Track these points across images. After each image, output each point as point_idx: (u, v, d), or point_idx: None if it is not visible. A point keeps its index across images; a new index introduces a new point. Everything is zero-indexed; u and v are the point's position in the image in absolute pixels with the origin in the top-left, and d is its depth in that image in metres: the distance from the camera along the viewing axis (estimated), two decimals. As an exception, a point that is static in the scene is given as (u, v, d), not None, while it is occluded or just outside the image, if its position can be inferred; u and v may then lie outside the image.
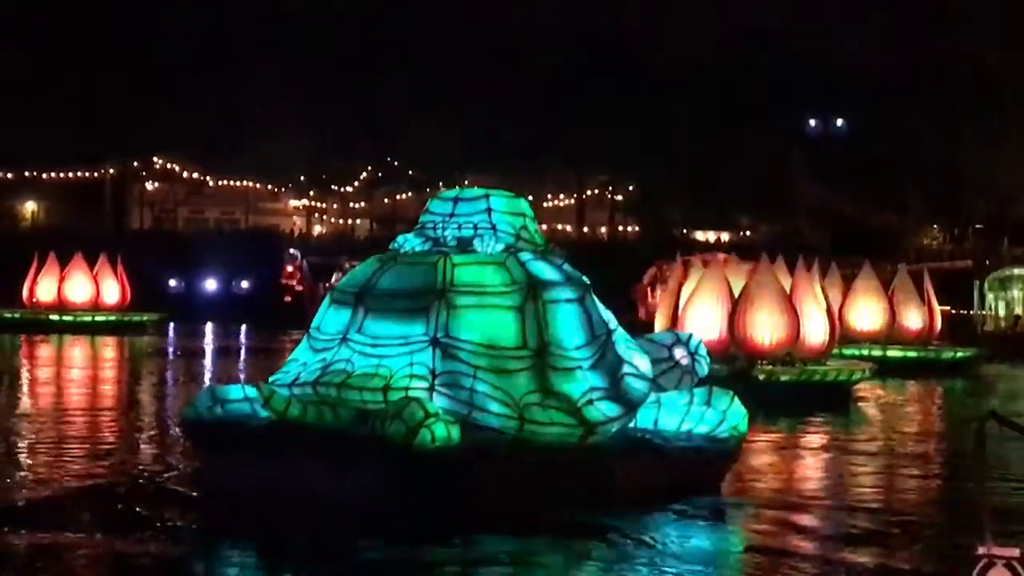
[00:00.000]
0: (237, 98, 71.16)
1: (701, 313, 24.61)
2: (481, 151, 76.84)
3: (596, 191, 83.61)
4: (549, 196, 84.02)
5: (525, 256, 13.65)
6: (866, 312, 32.67)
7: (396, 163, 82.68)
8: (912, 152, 67.21)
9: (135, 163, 79.17)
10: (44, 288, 46.08)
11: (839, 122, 78.36)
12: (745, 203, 76.36)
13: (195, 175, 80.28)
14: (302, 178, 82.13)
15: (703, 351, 14.43)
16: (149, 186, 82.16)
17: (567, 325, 13.37)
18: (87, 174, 77.21)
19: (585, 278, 13.80)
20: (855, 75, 70.75)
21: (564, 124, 73.32)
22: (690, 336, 14.69)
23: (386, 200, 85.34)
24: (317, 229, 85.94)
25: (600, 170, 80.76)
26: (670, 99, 70.87)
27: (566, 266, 13.87)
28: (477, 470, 12.47)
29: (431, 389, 12.90)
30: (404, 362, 13.11)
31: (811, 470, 17.07)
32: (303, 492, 12.23)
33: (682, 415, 13.76)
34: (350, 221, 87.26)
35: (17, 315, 45.40)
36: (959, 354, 33.18)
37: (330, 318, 13.77)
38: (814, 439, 19.67)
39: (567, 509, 12.28)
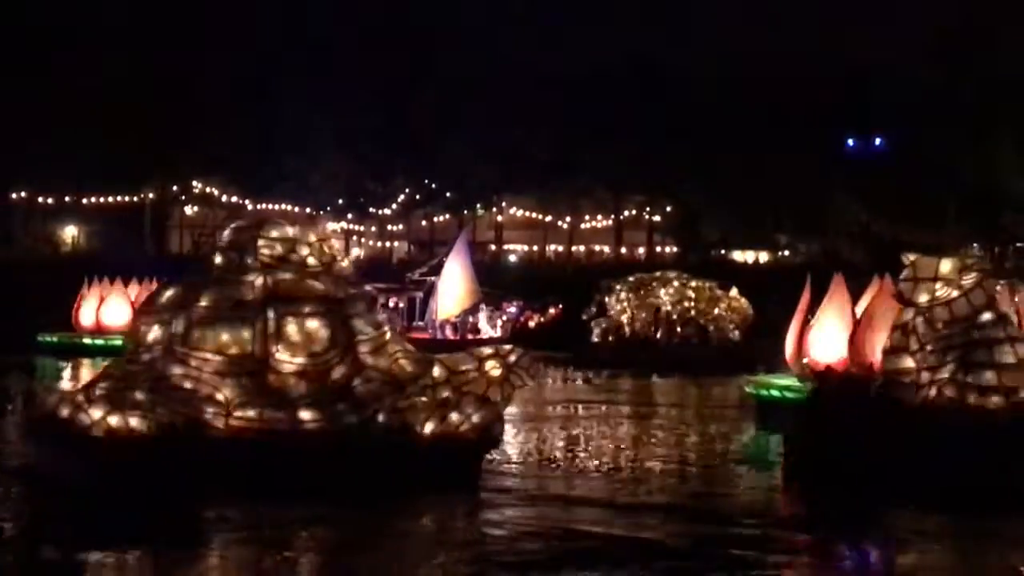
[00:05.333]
0: (274, 122, 71.37)
1: (826, 335, 24.29)
2: (518, 172, 76.78)
3: (633, 212, 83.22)
4: (587, 217, 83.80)
5: (278, 275, 15.90)
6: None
7: (434, 185, 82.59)
8: (951, 170, 66.59)
9: (174, 187, 79.57)
10: (85, 312, 46.38)
11: (877, 141, 77.80)
12: (783, 222, 75.81)
13: (233, 199, 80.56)
14: (340, 201, 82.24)
15: (524, 364, 16.09)
16: (188, 210, 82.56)
17: (301, 336, 15.50)
18: (127, 199, 77.61)
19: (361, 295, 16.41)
20: (894, 94, 70.24)
21: (601, 145, 73.13)
22: (511, 350, 16.32)
23: (424, 223, 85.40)
24: (355, 252, 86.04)
25: (637, 190, 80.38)
26: (708, 119, 70.57)
27: (333, 284, 16.08)
28: (172, 460, 14.38)
29: (152, 390, 15.19)
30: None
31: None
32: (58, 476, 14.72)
33: (433, 416, 15.61)
34: (388, 244, 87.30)
35: (55, 339, 45.70)
36: None
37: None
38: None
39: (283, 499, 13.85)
